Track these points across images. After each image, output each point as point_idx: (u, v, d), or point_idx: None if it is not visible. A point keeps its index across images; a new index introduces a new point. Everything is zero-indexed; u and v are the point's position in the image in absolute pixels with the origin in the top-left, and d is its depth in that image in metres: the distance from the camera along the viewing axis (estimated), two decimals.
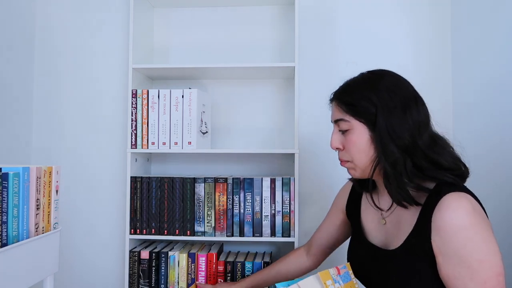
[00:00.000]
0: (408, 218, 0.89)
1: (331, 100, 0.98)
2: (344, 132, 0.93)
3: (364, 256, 0.98)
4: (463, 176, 0.87)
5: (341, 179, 1.66)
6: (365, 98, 0.89)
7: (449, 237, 0.78)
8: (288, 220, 1.46)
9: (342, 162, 0.96)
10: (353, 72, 1.83)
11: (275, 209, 1.47)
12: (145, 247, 1.55)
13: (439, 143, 0.87)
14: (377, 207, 0.97)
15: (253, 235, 1.47)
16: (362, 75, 0.96)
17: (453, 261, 0.78)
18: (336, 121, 0.95)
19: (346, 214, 1.12)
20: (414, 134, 0.85)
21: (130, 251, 1.50)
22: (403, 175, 0.85)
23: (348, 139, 0.92)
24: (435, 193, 0.83)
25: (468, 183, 0.87)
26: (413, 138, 0.85)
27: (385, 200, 0.97)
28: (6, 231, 0.85)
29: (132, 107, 1.51)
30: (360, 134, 0.90)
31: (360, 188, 1.06)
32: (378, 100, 0.87)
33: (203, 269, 1.47)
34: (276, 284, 0.88)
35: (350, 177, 1.01)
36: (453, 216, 0.78)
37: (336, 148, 0.96)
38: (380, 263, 0.92)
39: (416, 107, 0.87)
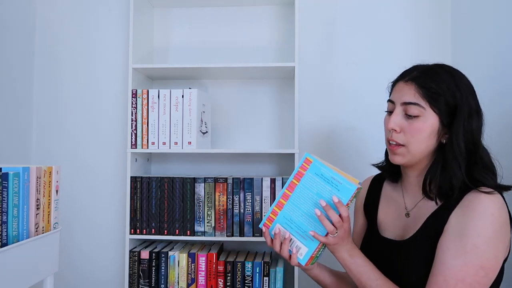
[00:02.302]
0: (428, 211, 0.90)
1: (404, 80, 0.92)
2: (410, 116, 0.89)
3: (377, 251, 0.98)
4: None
5: None
6: (451, 91, 0.87)
7: (471, 216, 0.80)
8: None
9: (393, 145, 0.92)
10: (353, 72, 1.84)
11: None
12: (145, 247, 1.55)
13: (488, 152, 0.90)
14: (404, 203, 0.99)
15: (253, 235, 1.47)
16: (441, 66, 0.92)
17: (454, 236, 0.81)
18: (405, 104, 0.90)
19: (364, 209, 1.11)
20: (479, 136, 0.88)
21: (130, 251, 1.50)
22: (459, 168, 0.85)
23: (415, 126, 0.88)
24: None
25: None
26: (479, 139, 0.88)
27: (410, 194, 0.98)
28: (6, 231, 0.85)
29: (132, 107, 1.51)
30: (430, 123, 0.88)
31: (390, 177, 1.05)
32: (461, 97, 0.87)
33: (203, 269, 1.47)
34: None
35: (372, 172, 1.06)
36: (487, 204, 0.80)
37: (392, 130, 0.91)
38: (393, 254, 0.93)
39: (481, 112, 0.90)
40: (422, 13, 1.70)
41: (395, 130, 0.91)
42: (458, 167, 0.85)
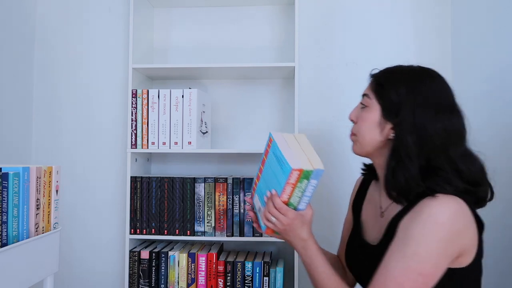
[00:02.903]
0: (394, 213, 0.90)
1: (370, 75, 1.00)
2: (363, 107, 0.96)
3: (358, 254, 1.00)
4: (482, 195, 0.86)
5: (340, 179, 1.66)
6: (396, 86, 0.90)
7: (417, 222, 0.80)
8: None
9: (351, 134, 1.00)
10: (353, 72, 1.84)
11: None
12: (145, 247, 1.55)
13: (470, 158, 0.87)
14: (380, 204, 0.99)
15: (253, 235, 1.47)
16: (412, 67, 0.95)
17: (400, 239, 0.81)
18: (363, 95, 0.98)
19: (352, 209, 1.12)
20: (445, 138, 0.85)
21: (130, 251, 1.50)
22: (412, 168, 0.84)
23: (362, 115, 0.95)
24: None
25: None
26: (443, 142, 0.85)
27: (384, 194, 0.97)
28: (6, 231, 0.85)
29: (132, 107, 1.51)
30: (373, 114, 0.93)
31: (368, 175, 1.08)
32: (407, 94, 0.88)
33: (203, 269, 1.47)
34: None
35: (362, 172, 1.09)
36: (435, 211, 0.79)
37: (351, 120, 1.00)
38: (366, 258, 0.94)
39: (450, 115, 0.87)
40: (422, 13, 1.70)
41: (353, 120, 0.99)
42: (409, 166, 0.84)
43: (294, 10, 1.51)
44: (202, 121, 1.55)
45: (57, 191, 1.01)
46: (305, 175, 0.87)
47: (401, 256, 0.79)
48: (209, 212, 1.48)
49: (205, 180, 1.49)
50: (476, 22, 1.52)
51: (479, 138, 1.45)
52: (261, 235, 1.47)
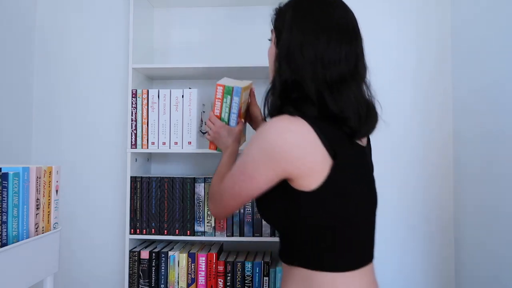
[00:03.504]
0: None
1: None
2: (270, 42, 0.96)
3: None
4: (350, 124, 0.81)
5: None
6: (284, 13, 0.89)
7: (256, 133, 0.83)
8: None
9: None
10: None
11: None
12: (145, 247, 1.55)
13: (343, 88, 0.81)
14: None
15: (253, 235, 1.47)
16: None
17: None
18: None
19: None
20: (315, 65, 0.80)
21: (130, 251, 1.50)
22: (275, 95, 0.86)
23: (268, 50, 0.96)
24: None
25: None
26: (313, 69, 0.80)
27: None
28: (6, 231, 0.85)
29: (132, 107, 1.51)
30: (272, 46, 0.93)
31: None
32: (291, 18, 0.85)
33: (203, 269, 1.47)
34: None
35: None
36: (269, 125, 0.80)
37: None
38: None
39: (329, 41, 0.80)
40: (422, 14, 1.70)
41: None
42: (274, 93, 0.87)
43: None
44: (202, 121, 1.55)
45: (57, 191, 1.01)
46: (227, 90, 1.12)
47: (238, 159, 0.88)
48: (209, 212, 1.48)
49: (205, 180, 1.49)
50: (476, 23, 1.52)
51: (479, 137, 1.46)
52: (261, 235, 1.47)
